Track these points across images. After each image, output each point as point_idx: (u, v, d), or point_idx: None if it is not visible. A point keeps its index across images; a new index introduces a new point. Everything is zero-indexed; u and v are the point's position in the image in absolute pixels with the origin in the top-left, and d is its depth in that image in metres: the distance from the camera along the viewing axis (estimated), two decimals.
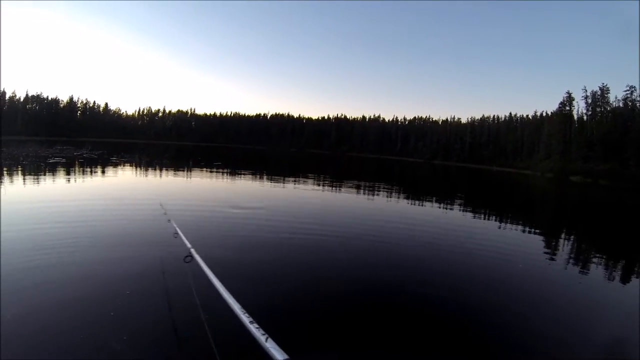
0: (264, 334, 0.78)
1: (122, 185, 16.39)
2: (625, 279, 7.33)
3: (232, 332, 2.47)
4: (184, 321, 3.79)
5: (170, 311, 4.00)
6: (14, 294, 4.17)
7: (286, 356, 0.58)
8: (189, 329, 3.59)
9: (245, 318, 0.86)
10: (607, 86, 79.59)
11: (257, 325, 0.84)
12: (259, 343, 0.80)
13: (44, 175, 17.52)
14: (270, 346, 0.70)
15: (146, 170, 25.79)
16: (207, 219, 9.55)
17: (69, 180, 16.17)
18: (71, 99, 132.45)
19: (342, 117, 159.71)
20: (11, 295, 4.11)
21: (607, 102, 78.92)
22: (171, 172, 24.78)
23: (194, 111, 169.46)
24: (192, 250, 2.18)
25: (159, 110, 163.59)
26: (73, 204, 10.30)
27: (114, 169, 24.25)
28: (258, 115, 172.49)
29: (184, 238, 2.71)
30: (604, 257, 9.22)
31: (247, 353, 1.95)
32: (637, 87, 72.25)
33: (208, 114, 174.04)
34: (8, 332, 3.38)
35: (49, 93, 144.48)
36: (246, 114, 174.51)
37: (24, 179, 15.67)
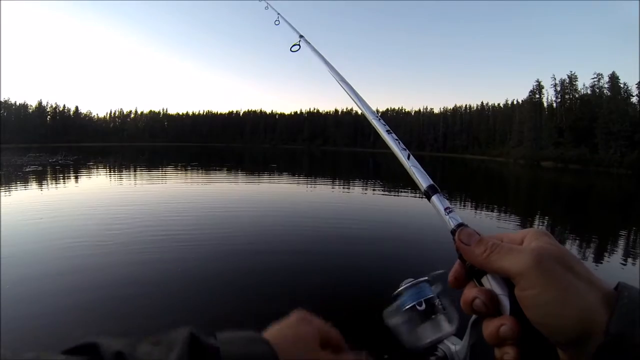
0: (386, 128, 0.72)
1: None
2: (597, 260, 7.39)
3: None
4: None
5: None
6: None
7: (431, 182, 0.56)
8: None
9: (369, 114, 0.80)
10: (575, 74, 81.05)
11: (382, 122, 0.75)
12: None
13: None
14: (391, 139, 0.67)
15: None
16: None
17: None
18: (40, 103, 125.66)
19: (315, 111, 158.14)
20: None
21: (576, 90, 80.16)
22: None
23: (166, 111, 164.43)
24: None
25: (130, 111, 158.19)
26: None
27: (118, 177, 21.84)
28: (231, 113, 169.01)
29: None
30: (577, 239, 9.42)
31: None
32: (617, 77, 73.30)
33: (180, 113, 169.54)
34: None
35: (16, 98, 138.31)
36: (219, 112, 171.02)
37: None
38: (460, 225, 0.49)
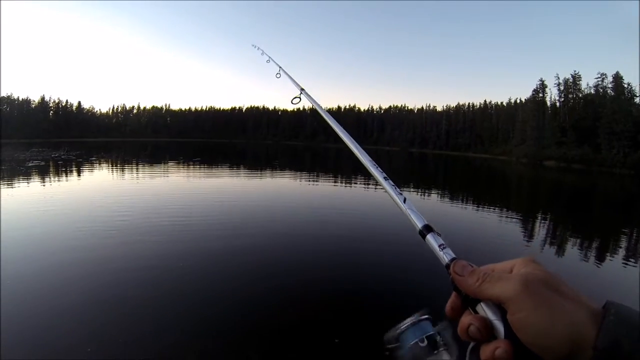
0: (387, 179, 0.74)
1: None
2: (599, 259, 7.47)
3: None
4: None
5: None
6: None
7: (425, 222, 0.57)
8: None
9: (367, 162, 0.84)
10: (579, 73, 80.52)
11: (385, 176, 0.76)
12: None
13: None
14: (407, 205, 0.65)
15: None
16: None
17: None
18: (42, 98, 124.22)
19: None
20: None
21: (579, 89, 79.61)
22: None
23: (169, 107, 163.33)
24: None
25: (133, 107, 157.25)
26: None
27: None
28: (233, 109, 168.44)
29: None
30: (579, 239, 9.55)
31: None
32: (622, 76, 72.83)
33: (183, 109, 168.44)
34: None
35: (19, 93, 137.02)
36: (221, 108, 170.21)
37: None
38: (453, 259, 0.52)
